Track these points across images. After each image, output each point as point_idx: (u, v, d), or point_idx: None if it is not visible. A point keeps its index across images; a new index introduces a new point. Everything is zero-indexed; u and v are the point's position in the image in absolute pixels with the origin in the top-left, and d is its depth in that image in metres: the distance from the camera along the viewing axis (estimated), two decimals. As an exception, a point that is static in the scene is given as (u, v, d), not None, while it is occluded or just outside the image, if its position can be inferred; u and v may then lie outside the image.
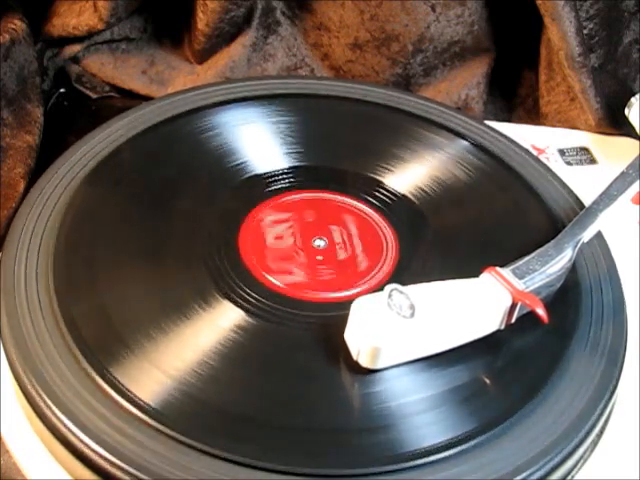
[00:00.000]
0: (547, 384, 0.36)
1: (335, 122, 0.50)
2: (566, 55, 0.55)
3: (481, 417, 0.34)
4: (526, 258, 0.38)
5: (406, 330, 0.34)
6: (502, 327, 0.37)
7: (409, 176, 0.47)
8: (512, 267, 0.38)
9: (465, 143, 0.49)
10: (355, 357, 0.35)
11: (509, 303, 0.36)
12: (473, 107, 0.62)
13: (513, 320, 0.37)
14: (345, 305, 0.36)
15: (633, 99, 0.53)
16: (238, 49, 0.62)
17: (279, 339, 0.37)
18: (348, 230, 0.43)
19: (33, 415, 0.34)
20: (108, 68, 0.62)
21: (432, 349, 0.36)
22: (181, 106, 0.49)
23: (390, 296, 0.35)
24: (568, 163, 0.54)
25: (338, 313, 0.37)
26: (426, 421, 0.34)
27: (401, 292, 0.35)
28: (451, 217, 0.45)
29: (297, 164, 0.47)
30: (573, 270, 0.41)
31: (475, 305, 0.36)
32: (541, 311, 0.36)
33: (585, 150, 0.55)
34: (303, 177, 0.46)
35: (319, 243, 0.43)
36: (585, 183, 0.48)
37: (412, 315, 0.35)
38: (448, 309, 0.36)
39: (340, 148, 0.49)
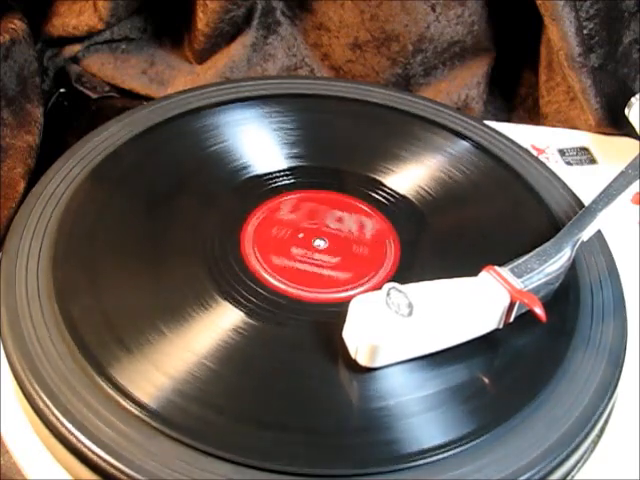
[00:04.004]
0: (547, 384, 0.36)
1: (335, 122, 0.50)
2: (566, 55, 0.55)
3: (481, 417, 0.34)
4: (525, 257, 0.38)
5: (404, 329, 0.34)
6: (500, 326, 0.37)
7: (409, 176, 0.47)
8: (511, 266, 0.38)
9: (465, 143, 0.49)
10: (353, 355, 0.35)
11: (507, 302, 0.36)
12: (473, 107, 0.62)
13: (511, 319, 0.37)
14: (345, 305, 0.36)
15: (633, 99, 0.53)
16: (238, 49, 0.62)
17: (279, 340, 0.37)
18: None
19: (33, 415, 0.34)
20: (108, 68, 0.62)
21: (430, 348, 0.36)
22: (181, 106, 0.49)
23: (388, 294, 0.35)
24: (568, 163, 0.54)
25: (338, 313, 0.37)
26: (426, 421, 0.34)
27: (399, 291, 0.35)
28: (451, 217, 0.45)
29: (297, 164, 0.47)
30: (573, 269, 0.41)
31: (473, 304, 0.36)
32: (539, 310, 0.36)
33: (585, 150, 0.55)
34: (303, 177, 0.46)
35: (319, 243, 0.43)
36: (585, 183, 0.48)
37: (410, 314, 0.35)
38: (446, 308, 0.36)
39: (340, 148, 0.49)
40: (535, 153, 0.51)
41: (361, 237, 0.43)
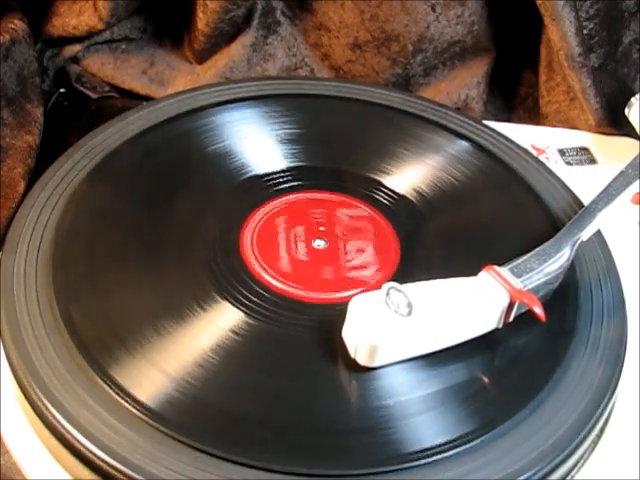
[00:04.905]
0: (547, 384, 0.36)
1: (335, 122, 0.50)
2: (566, 55, 0.55)
3: (481, 417, 0.34)
4: (524, 257, 0.38)
5: (403, 328, 0.34)
6: (500, 326, 0.37)
7: (409, 176, 0.47)
8: (510, 266, 0.38)
9: (465, 143, 0.49)
10: (353, 355, 0.35)
11: (507, 302, 0.36)
12: (473, 107, 0.62)
13: (511, 319, 0.37)
14: (345, 305, 0.36)
15: (633, 99, 0.53)
16: (238, 49, 0.62)
17: (278, 340, 0.37)
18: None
19: (33, 415, 0.34)
20: (108, 68, 0.62)
21: (429, 347, 0.36)
22: (181, 106, 0.49)
23: (388, 294, 0.35)
24: (568, 163, 0.54)
25: (338, 314, 0.37)
26: (425, 421, 0.34)
27: (399, 290, 0.35)
28: (451, 217, 0.45)
29: (297, 164, 0.47)
30: (573, 269, 0.41)
31: (473, 304, 0.36)
32: (538, 310, 0.36)
33: (585, 150, 0.55)
34: (303, 177, 0.46)
35: (319, 243, 0.43)
36: (585, 183, 0.48)
37: (409, 313, 0.35)
38: (445, 307, 0.36)
39: (340, 148, 0.49)
40: (535, 153, 0.51)
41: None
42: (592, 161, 0.54)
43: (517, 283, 0.37)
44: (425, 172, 0.47)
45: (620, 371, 0.37)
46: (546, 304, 0.37)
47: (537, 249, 0.39)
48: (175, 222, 0.42)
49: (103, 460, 0.32)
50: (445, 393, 0.35)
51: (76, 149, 0.46)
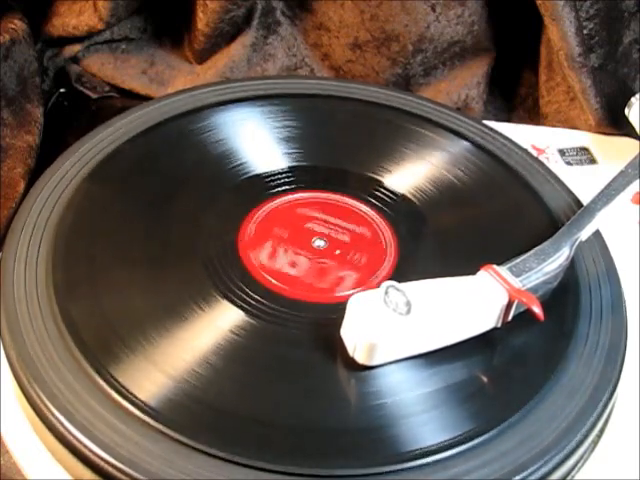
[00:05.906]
0: (546, 383, 0.36)
1: (335, 122, 0.50)
2: (566, 55, 0.55)
3: (480, 417, 0.34)
4: (523, 256, 0.38)
5: (402, 327, 0.34)
6: (499, 325, 0.37)
7: (409, 176, 0.47)
8: (509, 265, 0.38)
9: (465, 143, 0.49)
10: (351, 353, 0.35)
11: (505, 301, 0.36)
12: (473, 107, 0.62)
13: (510, 318, 0.37)
14: (344, 305, 0.36)
15: (633, 99, 0.53)
16: (238, 49, 0.62)
17: (278, 339, 0.37)
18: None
19: (33, 415, 0.34)
20: (108, 68, 0.62)
21: (428, 346, 0.36)
22: (181, 106, 0.49)
23: (386, 293, 0.35)
24: (568, 163, 0.54)
25: (337, 313, 0.37)
26: (424, 420, 0.34)
27: (397, 289, 0.35)
28: (450, 217, 0.45)
29: (297, 164, 0.47)
30: (572, 269, 0.41)
31: (471, 303, 0.36)
32: (537, 309, 0.36)
33: (585, 150, 0.55)
34: (303, 177, 0.46)
35: (319, 243, 0.43)
36: (585, 183, 0.48)
37: (408, 312, 0.35)
38: (444, 306, 0.36)
39: (340, 148, 0.49)
40: (535, 153, 0.51)
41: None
42: (592, 161, 0.54)
43: (516, 282, 0.37)
44: (425, 172, 0.47)
45: (620, 371, 0.37)
46: (545, 303, 0.37)
47: (536, 248, 0.39)
48: (175, 222, 0.42)
49: (103, 460, 0.32)
50: (444, 392, 0.35)
51: (76, 149, 0.46)
